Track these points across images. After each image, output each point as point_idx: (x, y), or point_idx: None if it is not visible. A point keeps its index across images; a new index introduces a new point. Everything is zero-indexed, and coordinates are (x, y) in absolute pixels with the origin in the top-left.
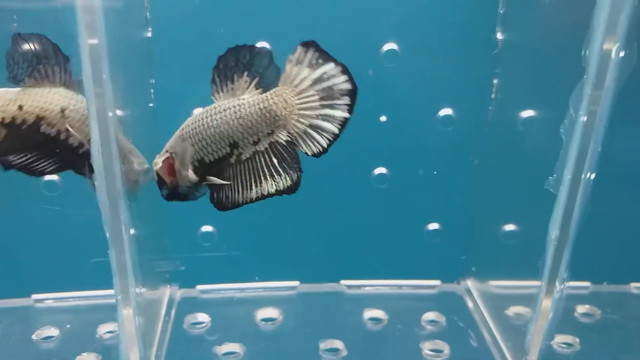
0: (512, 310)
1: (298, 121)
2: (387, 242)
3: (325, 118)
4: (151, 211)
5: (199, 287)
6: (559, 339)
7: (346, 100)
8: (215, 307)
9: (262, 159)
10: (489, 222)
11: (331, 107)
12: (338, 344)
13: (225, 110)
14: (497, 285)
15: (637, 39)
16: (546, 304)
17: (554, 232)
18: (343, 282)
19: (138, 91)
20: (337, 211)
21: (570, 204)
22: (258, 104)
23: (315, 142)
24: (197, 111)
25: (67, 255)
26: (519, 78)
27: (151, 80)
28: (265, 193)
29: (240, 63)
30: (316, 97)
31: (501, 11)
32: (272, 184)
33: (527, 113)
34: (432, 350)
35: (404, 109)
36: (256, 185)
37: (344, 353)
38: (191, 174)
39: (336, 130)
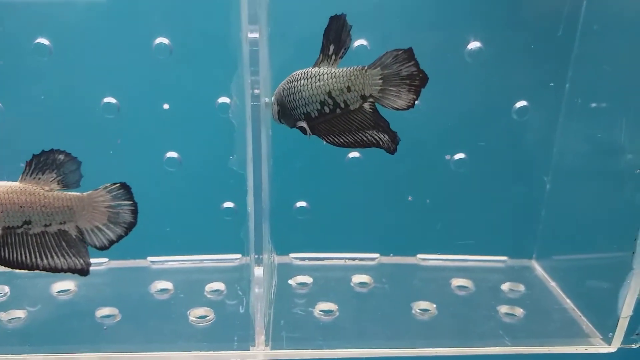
0: (296, 280)
1: (88, 222)
2: (189, 221)
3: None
4: None
5: None
6: (322, 306)
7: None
8: (22, 279)
9: (52, 239)
10: (282, 199)
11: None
12: (114, 310)
13: (31, 194)
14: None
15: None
16: (258, 273)
17: (249, 207)
18: (149, 258)
19: None
20: (140, 195)
21: (257, 181)
22: (62, 200)
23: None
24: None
25: None
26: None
27: None
28: (59, 267)
29: (54, 162)
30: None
31: None
32: (64, 262)
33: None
34: (198, 317)
35: (186, 97)
36: (46, 257)
37: (118, 318)
38: None
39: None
